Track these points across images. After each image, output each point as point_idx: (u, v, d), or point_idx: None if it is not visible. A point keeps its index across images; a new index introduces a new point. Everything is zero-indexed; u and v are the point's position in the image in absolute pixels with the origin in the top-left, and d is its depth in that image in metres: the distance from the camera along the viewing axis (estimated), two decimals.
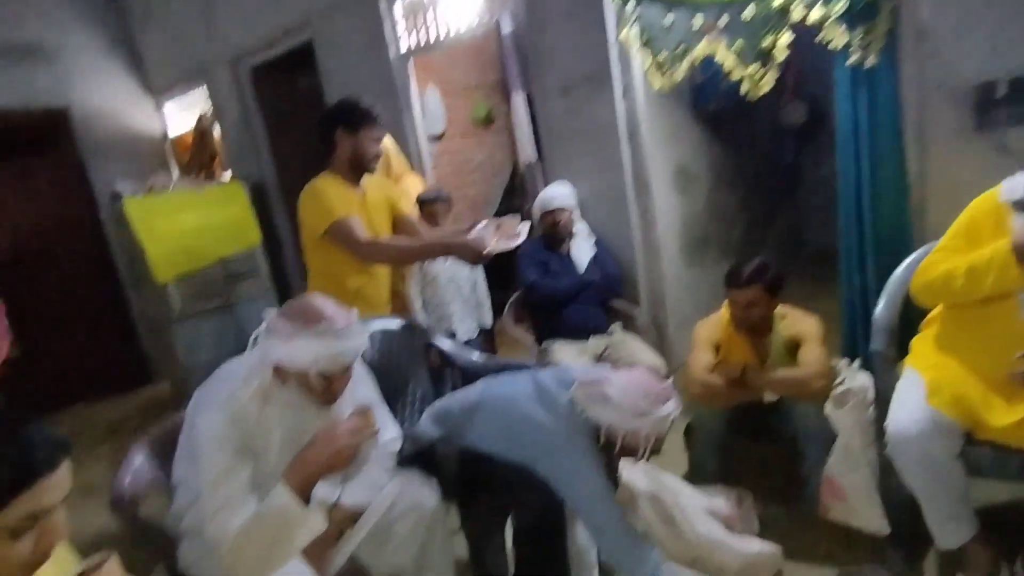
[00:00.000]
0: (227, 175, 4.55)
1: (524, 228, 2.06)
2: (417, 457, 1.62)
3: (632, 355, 2.44)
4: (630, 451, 1.47)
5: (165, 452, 1.58)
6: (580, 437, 1.48)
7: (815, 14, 2.06)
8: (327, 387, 1.30)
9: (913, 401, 1.54)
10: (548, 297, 2.58)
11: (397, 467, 1.57)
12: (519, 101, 2.98)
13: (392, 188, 2.38)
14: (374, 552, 1.49)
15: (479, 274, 2.85)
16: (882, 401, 1.67)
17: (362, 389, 1.50)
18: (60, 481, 0.75)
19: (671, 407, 1.47)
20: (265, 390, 1.29)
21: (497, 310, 2.90)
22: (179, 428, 1.59)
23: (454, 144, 4.40)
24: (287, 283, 4.26)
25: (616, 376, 1.50)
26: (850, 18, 2.02)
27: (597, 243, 2.78)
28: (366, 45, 3.33)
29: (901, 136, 2.09)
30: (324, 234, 2.00)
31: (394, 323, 2.15)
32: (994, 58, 1.89)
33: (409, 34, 3.30)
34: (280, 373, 1.31)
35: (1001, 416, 1.48)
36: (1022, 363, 1.43)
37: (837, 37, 2.05)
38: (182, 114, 4.84)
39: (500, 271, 3.00)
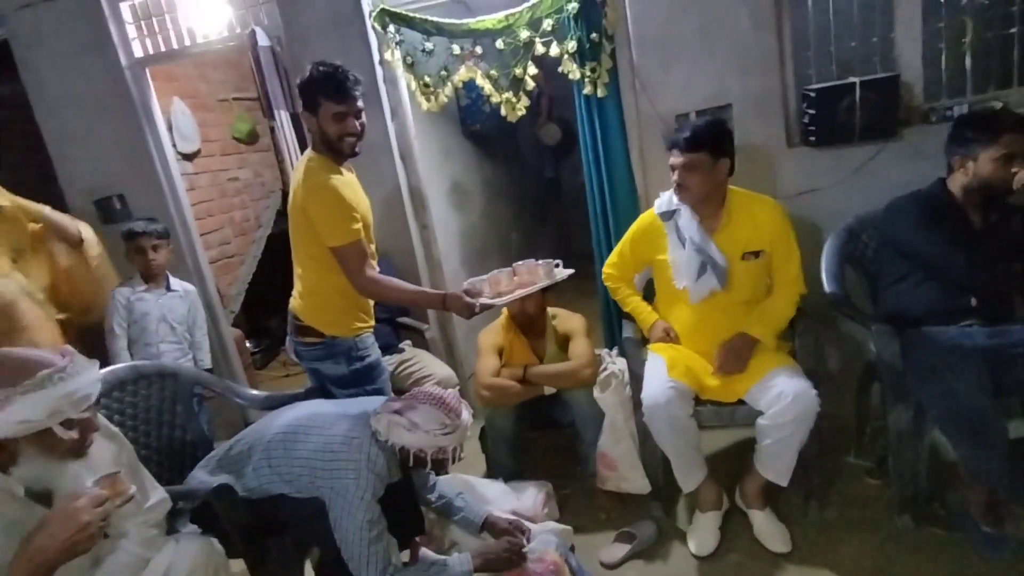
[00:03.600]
0: None
1: (561, 273, 1.94)
2: (195, 514, 1.44)
3: (425, 369, 2.48)
4: (440, 464, 1.52)
5: None
6: (363, 465, 1.45)
7: (554, 50, 2.35)
8: (81, 434, 1.12)
9: (658, 376, 1.87)
10: None
11: (168, 531, 1.37)
12: (283, 119, 2.83)
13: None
14: None
15: (199, 313, 2.70)
16: (635, 379, 1.97)
17: (104, 454, 1.28)
18: None
19: (467, 415, 1.57)
20: None
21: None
22: None
23: (213, 163, 3.99)
24: None
25: (413, 402, 1.53)
26: (580, 56, 2.35)
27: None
28: (84, 47, 2.84)
29: (629, 154, 2.50)
30: (335, 248, 1.72)
31: (150, 367, 1.89)
32: (685, 95, 2.37)
33: (142, 39, 2.91)
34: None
35: (713, 380, 1.90)
36: (718, 361, 1.89)
37: (573, 71, 2.37)
38: None
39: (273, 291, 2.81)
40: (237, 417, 3.02)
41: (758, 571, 1.77)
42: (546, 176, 5.24)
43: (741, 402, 1.86)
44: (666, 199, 2.02)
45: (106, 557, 1.24)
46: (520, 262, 1.96)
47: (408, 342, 2.69)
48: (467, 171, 3.68)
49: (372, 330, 1.97)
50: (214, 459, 1.59)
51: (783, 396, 1.72)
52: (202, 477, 1.52)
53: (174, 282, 2.65)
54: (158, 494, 1.37)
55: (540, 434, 2.35)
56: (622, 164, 2.49)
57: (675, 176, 1.90)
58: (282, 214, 4.32)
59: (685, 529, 1.96)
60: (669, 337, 2.03)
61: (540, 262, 1.95)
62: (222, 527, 1.45)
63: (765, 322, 1.89)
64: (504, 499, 1.99)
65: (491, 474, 2.22)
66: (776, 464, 1.79)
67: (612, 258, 2.20)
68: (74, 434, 1.13)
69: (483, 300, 1.74)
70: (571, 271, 1.98)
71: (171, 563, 1.31)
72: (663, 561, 1.89)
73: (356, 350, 1.87)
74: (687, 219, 1.95)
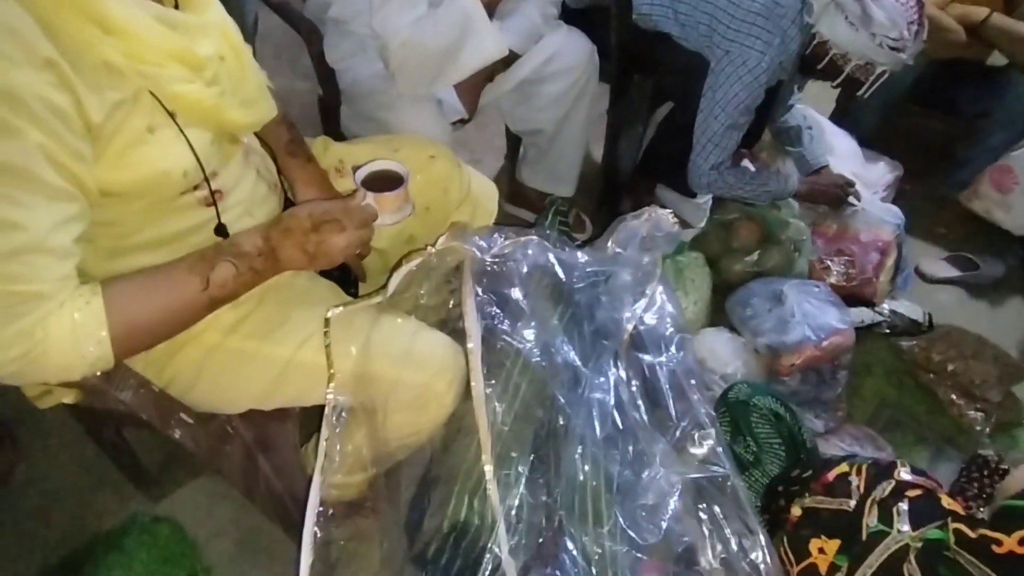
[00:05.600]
0: None
1: None
2: (584, 15, 1.37)
3: None
4: (845, 84, 1.25)
5: None
6: (776, 41, 1.20)
7: None
8: None
9: None
10: None
11: (559, 21, 1.33)
12: None
13: None
14: (518, 107, 1.39)
15: None
16: None
17: None
18: None
19: (923, 38, 1.19)
20: None
21: None
22: None
23: None
24: None
25: None
26: None
27: None
28: None
29: None
30: None
31: None
32: None
33: None
34: None
35: None
36: None
37: None
38: None
39: None
40: None
41: None
42: None
43: None
44: None
45: (511, 14, 1.24)
46: None
47: None
48: None
49: None
50: None
51: None
52: None
53: None
54: None
55: (925, 111, 1.86)
56: None
57: None
58: None
59: None
60: None
61: None
62: (601, 39, 1.38)
63: None
64: (851, 159, 1.71)
65: (838, 124, 1.89)
66: None
67: None
68: None
69: None
70: None
71: (557, 50, 1.30)
72: (991, 306, 1.64)
73: None
74: None
